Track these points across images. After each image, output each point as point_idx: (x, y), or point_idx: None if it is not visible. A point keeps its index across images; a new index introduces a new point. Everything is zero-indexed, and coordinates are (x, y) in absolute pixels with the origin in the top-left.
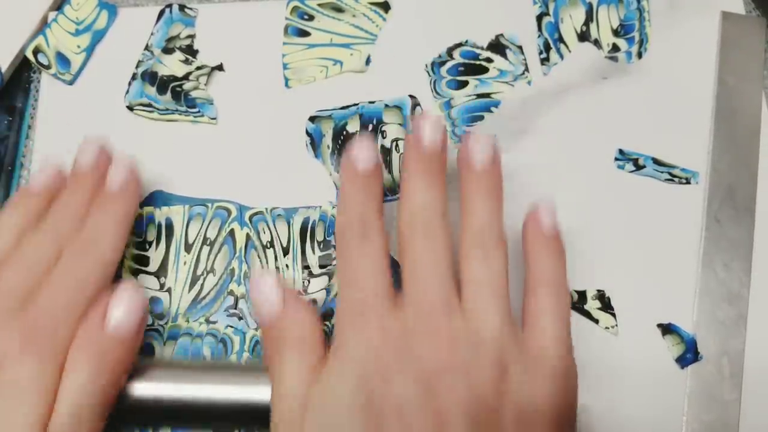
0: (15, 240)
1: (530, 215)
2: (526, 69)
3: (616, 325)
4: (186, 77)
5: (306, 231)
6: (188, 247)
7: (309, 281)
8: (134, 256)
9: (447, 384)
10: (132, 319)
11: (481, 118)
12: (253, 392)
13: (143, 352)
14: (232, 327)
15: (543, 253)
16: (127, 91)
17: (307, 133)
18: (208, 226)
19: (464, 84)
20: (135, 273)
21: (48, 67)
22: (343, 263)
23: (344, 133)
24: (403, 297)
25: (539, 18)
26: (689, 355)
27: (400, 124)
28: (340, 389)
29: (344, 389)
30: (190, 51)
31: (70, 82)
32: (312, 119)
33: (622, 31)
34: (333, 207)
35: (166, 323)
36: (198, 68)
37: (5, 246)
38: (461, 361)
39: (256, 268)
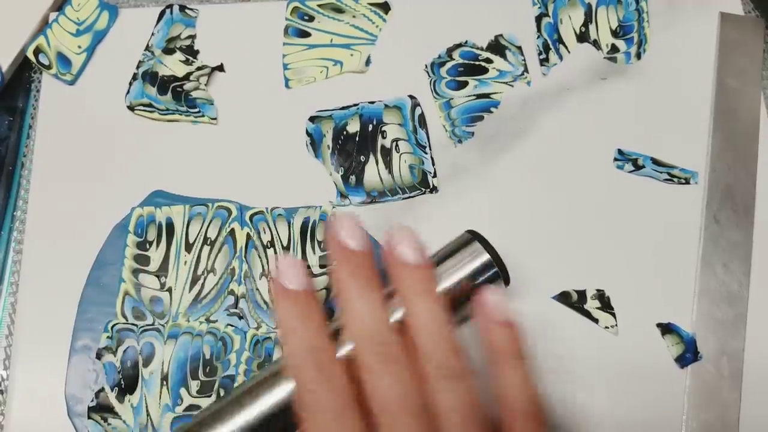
0: None
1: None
2: (526, 69)
3: (616, 325)
4: (186, 77)
5: (306, 230)
6: (189, 247)
7: None
8: (135, 255)
9: None
10: None
11: (481, 118)
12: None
13: (143, 352)
14: (232, 326)
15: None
16: (128, 92)
17: (308, 133)
18: (208, 226)
19: (464, 84)
20: (135, 273)
21: (49, 68)
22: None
23: (344, 133)
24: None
25: (538, 19)
26: (689, 354)
27: (400, 124)
28: None
29: None
30: (191, 51)
31: (71, 83)
32: (312, 119)
33: (621, 32)
34: (334, 207)
35: (166, 322)
36: (198, 68)
37: None
38: None
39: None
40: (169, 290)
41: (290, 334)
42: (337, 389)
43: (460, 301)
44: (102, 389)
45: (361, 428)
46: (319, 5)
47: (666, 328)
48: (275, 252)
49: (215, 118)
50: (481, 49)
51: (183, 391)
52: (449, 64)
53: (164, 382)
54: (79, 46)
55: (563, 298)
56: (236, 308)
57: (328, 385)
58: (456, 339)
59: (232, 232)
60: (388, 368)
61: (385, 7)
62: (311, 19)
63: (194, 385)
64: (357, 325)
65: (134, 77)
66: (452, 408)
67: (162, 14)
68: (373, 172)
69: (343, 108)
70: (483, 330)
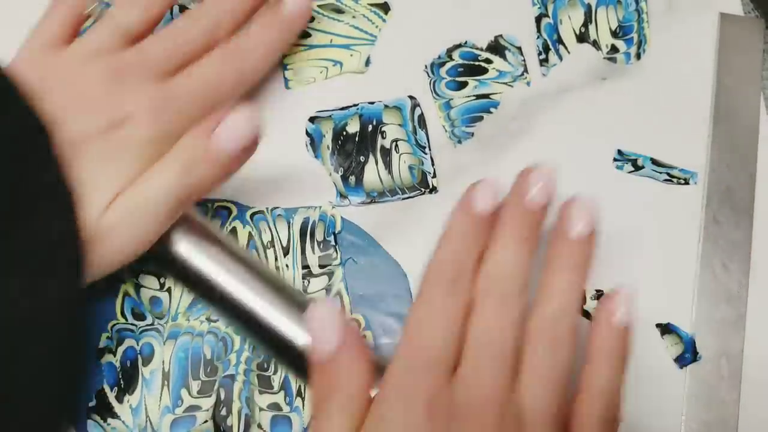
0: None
1: (603, 302)
2: (525, 70)
3: None
4: None
5: (306, 231)
6: None
7: (309, 281)
8: None
9: None
10: (236, 143)
11: (481, 118)
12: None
13: (143, 352)
14: None
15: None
16: None
17: (307, 133)
18: None
19: (464, 85)
20: (135, 273)
21: None
22: (421, 305)
23: (344, 133)
24: (461, 367)
25: (538, 19)
26: (688, 355)
27: (399, 124)
28: None
29: None
30: None
31: None
32: (312, 120)
33: (620, 32)
34: (333, 207)
35: (166, 322)
36: None
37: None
38: None
39: (319, 300)
40: (169, 290)
41: (449, 242)
42: (454, 315)
43: None
44: (101, 389)
45: (454, 351)
46: (319, 5)
47: (665, 329)
48: (275, 252)
49: None
50: (481, 49)
51: (183, 391)
52: (449, 65)
53: (164, 383)
54: None
55: None
56: None
57: (452, 300)
58: None
59: (233, 231)
60: (495, 312)
61: (385, 8)
62: (311, 19)
63: (195, 386)
64: (499, 268)
65: None
66: (543, 365)
67: None
68: (373, 173)
69: (342, 108)
70: (597, 326)
